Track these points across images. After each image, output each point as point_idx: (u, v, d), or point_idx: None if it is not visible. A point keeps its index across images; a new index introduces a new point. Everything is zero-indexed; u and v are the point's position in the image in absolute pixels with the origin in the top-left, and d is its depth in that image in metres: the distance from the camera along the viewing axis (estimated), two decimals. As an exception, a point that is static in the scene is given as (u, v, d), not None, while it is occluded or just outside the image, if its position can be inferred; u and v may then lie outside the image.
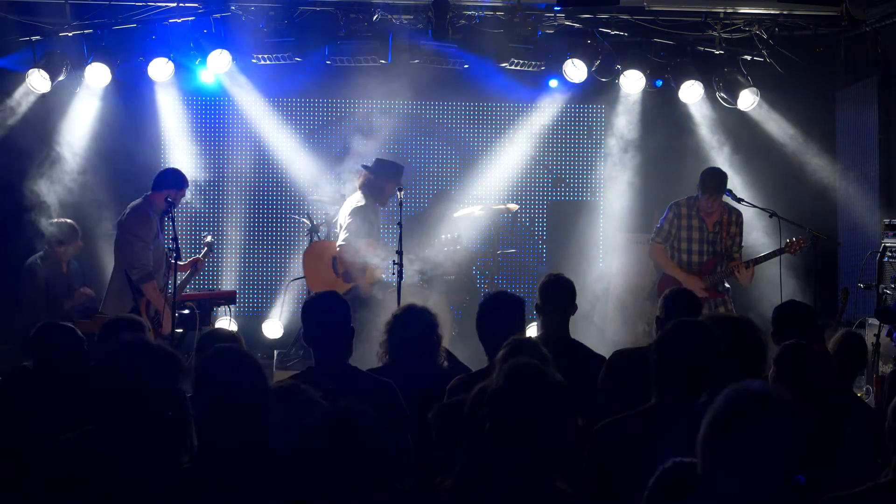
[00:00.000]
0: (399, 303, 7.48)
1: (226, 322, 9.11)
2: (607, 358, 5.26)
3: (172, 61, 9.46)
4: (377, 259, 8.82)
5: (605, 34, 9.76)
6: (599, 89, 10.38)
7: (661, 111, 10.54)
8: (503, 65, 9.71)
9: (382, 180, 8.99)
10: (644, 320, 9.11)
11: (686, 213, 8.30)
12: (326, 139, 10.92)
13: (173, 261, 7.62)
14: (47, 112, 9.70)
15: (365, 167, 9.19)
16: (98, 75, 9.35)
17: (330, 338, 4.68)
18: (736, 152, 10.23)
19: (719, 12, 9.56)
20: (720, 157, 10.20)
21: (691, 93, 10.01)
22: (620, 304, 9.88)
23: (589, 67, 9.76)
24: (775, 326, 5.27)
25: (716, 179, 8.26)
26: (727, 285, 8.38)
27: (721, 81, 9.95)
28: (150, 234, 7.95)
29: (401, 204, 8.34)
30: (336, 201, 9.88)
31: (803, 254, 8.49)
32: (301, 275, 9.62)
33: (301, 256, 9.52)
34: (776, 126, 10.28)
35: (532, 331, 6.78)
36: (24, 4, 9.17)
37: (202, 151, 10.72)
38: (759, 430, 2.40)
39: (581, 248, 10.34)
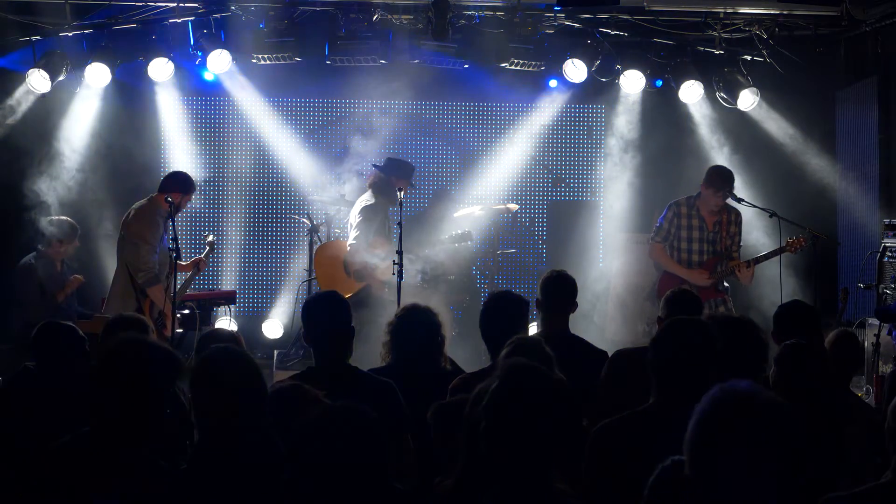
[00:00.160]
0: (399, 303, 7.48)
1: (226, 322, 9.11)
2: (609, 356, 5.26)
3: (172, 61, 9.46)
4: (376, 259, 8.82)
5: (605, 34, 9.77)
6: (599, 89, 10.39)
7: (661, 111, 10.54)
8: (503, 65, 9.70)
9: (393, 180, 9.02)
10: (644, 320, 9.10)
11: (686, 212, 8.30)
12: (326, 139, 10.92)
13: (173, 260, 7.61)
14: (47, 112, 9.70)
15: (376, 166, 9.21)
16: (98, 75, 9.35)
17: (330, 338, 4.68)
18: (736, 152, 10.24)
19: (719, 12, 9.56)
20: (720, 157, 10.20)
21: (691, 93, 10.02)
22: (620, 303, 9.88)
23: (589, 67, 9.76)
24: (776, 326, 5.27)
25: (727, 176, 8.26)
26: (726, 285, 8.38)
27: (721, 81, 9.95)
28: (156, 236, 7.94)
29: (401, 204, 8.34)
30: (336, 201, 9.88)
31: (803, 254, 8.50)
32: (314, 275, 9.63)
33: (313, 256, 9.51)
34: (776, 126, 10.28)
35: (533, 330, 6.78)
36: (24, 4, 9.17)
37: (202, 151, 10.73)
38: (744, 431, 2.38)
39: (581, 248, 10.34)
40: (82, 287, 9.10)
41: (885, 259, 8.38)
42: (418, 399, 4.55)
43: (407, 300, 6.04)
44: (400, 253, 7.92)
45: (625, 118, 10.56)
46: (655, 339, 3.80)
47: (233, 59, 9.53)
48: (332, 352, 4.68)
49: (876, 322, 7.75)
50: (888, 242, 8.40)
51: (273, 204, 10.96)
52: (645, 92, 10.21)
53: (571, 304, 5.54)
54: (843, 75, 10.18)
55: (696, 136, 10.52)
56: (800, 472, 2.42)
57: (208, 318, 8.58)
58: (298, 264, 10.37)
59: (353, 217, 9.00)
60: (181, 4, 9.26)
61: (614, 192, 10.75)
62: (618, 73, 9.87)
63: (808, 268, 9.34)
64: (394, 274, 7.94)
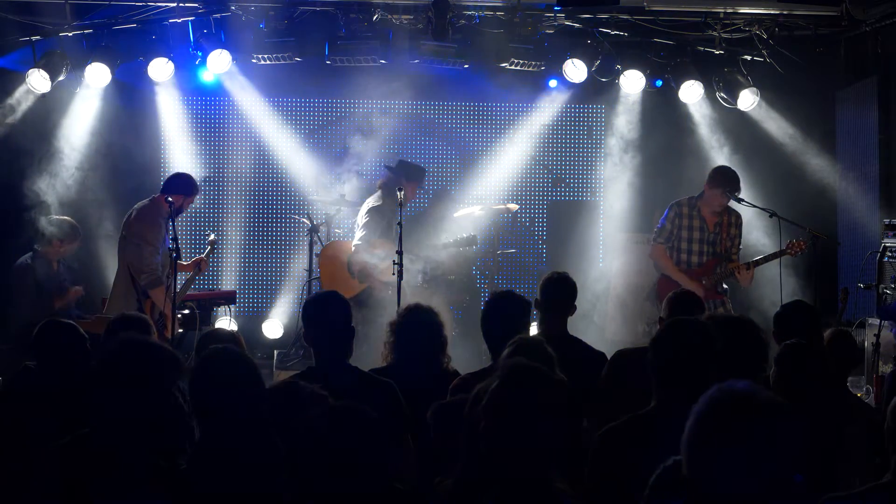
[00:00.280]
0: (399, 303, 7.48)
1: (226, 322, 9.11)
2: (609, 357, 5.26)
3: (172, 61, 9.45)
4: (376, 259, 8.83)
5: (605, 34, 9.76)
6: (599, 89, 10.38)
7: (661, 111, 10.54)
8: (503, 65, 9.70)
9: (403, 182, 9.04)
10: (644, 320, 9.10)
11: (687, 212, 8.30)
12: (326, 139, 10.93)
13: (173, 260, 7.60)
14: (47, 112, 9.70)
15: (388, 168, 9.24)
16: (98, 75, 9.34)
17: (330, 338, 4.68)
18: (736, 152, 10.23)
19: (719, 12, 9.56)
20: (720, 156, 10.20)
21: (691, 93, 10.01)
22: (620, 303, 9.89)
23: (589, 67, 9.76)
24: (777, 326, 5.28)
25: (734, 177, 8.26)
26: (725, 286, 8.37)
27: (721, 81, 9.95)
28: (159, 237, 7.94)
29: (401, 204, 8.34)
30: (336, 201, 9.89)
31: (803, 254, 8.50)
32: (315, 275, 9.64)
33: (318, 256, 9.52)
34: (776, 126, 10.28)
35: (533, 331, 6.77)
36: (24, 4, 9.16)
37: (202, 151, 10.73)
38: (741, 431, 2.38)
39: (581, 248, 10.34)
40: (82, 287, 9.10)
41: (885, 259, 8.37)
42: (419, 399, 4.55)
43: (408, 300, 6.04)
44: (400, 253, 7.92)
45: (625, 118, 10.56)
46: (655, 340, 3.80)
47: (233, 59, 9.53)
48: (333, 352, 4.68)
49: (876, 322, 7.75)
50: (888, 242, 8.40)
51: (273, 204, 10.96)
52: (645, 92, 10.20)
53: (570, 306, 5.54)
54: (843, 75, 10.18)
55: (696, 136, 10.52)
56: (799, 472, 2.42)
57: (208, 318, 8.58)
58: (298, 264, 10.37)
59: (360, 218, 9.03)
60: (181, 4, 9.26)
61: (614, 192, 10.75)
62: (618, 73, 9.87)
63: (808, 268, 9.34)
64: (394, 274, 7.93)
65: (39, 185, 9.42)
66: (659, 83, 10.10)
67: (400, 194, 8.32)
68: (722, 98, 10.04)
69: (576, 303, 5.60)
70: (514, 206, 10.20)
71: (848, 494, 3.19)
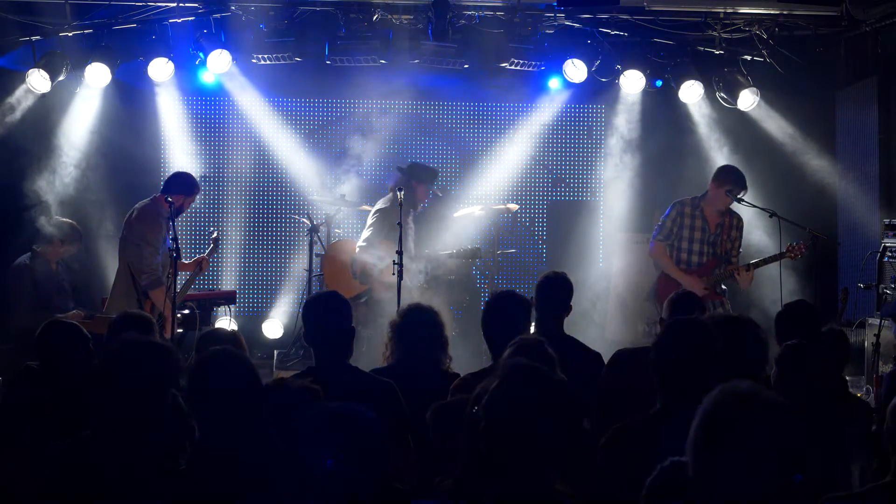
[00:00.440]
0: (399, 303, 7.48)
1: (226, 322, 9.11)
2: (610, 357, 5.26)
3: (172, 61, 9.45)
4: (374, 258, 8.83)
5: (605, 34, 9.76)
6: (599, 89, 10.38)
7: (661, 111, 10.54)
8: (503, 65, 9.70)
9: (414, 183, 9.05)
10: (644, 320, 9.11)
11: (689, 212, 8.29)
12: (326, 139, 10.93)
13: (173, 260, 7.60)
14: (47, 112, 9.70)
15: (399, 169, 9.25)
16: (98, 75, 9.34)
17: (330, 338, 4.68)
18: (735, 152, 10.23)
19: (719, 12, 9.55)
20: (720, 156, 10.21)
21: (691, 93, 10.01)
22: (621, 303, 9.89)
23: (589, 67, 9.75)
24: (778, 326, 5.28)
25: (741, 177, 8.26)
26: (724, 287, 8.37)
27: (721, 81, 9.95)
28: (160, 237, 7.93)
29: (401, 204, 8.34)
30: (336, 201, 9.89)
31: (803, 257, 8.48)
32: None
33: (325, 255, 9.53)
34: (776, 126, 10.28)
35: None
36: (24, 4, 9.16)
37: (202, 151, 10.73)
38: (746, 431, 2.38)
39: (581, 248, 10.35)
40: (82, 289, 9.10)
41: (885, 259, 8.37)
42: (420, 399, 4.55)
43: (410, 301, 6.03)
44: (400, 253, 7.93)
45: (625, 118, 10.56)
46: (657, 342, 3.80)
47: (233, 59, 9.52)
48: (333, 352, 4.68)
49: (876, 322, 7.75)
50: (888, 242, 8.40)
51: (273, 204, 10.96)
52: (645, 92, 10.20)
53: (566, 307, 5.53)
54: (843, 75, 10.17)
55: (696, 136, 10.52)
56: (800, 471, 2.42)
57: (208, 318, 8.58)
58: (298, 264, 10.38)
59: (368, 218, 9.05)
60: (181, 4, 9.25)
61: (614, 192, 10.75)
62: (618, 73, 9.86)
63: (808, 268, 9.34)
64: (393, 274, 7.93)
65: (39, 185, 9.42)
66: (659, 83, 10.09)
67: (400, 194, 8.32)
68: (722, 98, 10.04)
69: (575, 303, 5.60)
70: (514, 206, 10.20)
71: (848, 495, 3.19)
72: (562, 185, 10.88)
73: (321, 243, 9.58)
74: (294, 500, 2.97)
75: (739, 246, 8.40)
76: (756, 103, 9.88)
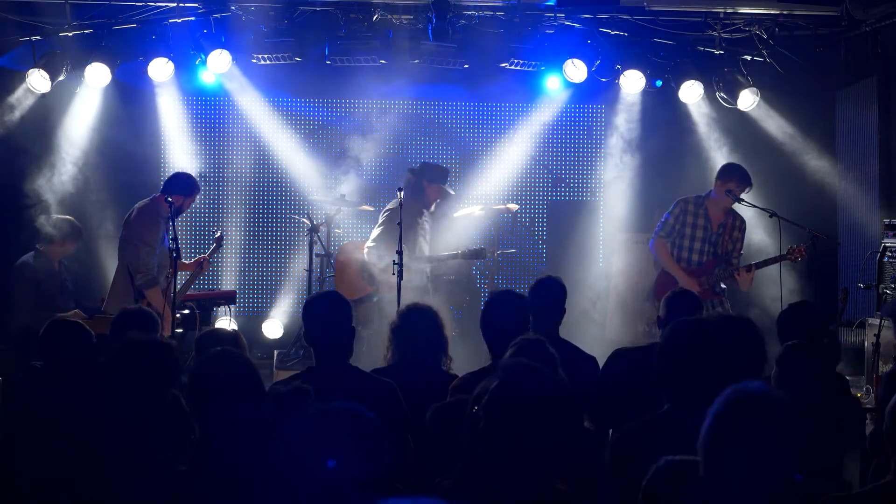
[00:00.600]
0: (399, 303, 7.48)
1: (226, 322, 9.11)
2: (607, 357, 5.25)
3: (172, 61, 9.44)
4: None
5: (605, 34, 9.76)
6: (599, 89, 10.37)
7: (661, 111, 10.53)
8: (503, 65, 9.70)
9: (424, 183, 9.05)
10: (644, 320, 9.10)
11: (693, 210, 8.29)
12: (326, 139, 10.92)
13: (173, 260, 7.59)
14: (47, 112, 9.70)
15: (410, 170, 9.27)
16: (98, 75, 9.34)
17: (330, 338, 4.68)
18: (735, 152, 10.22)
19: (719, 12, 9.55)
20: (720, 156, 10.20)
21: (691, 93, 10.01)
22: (621, 303, 9.89)
23: (589, 67, 9.75)
24: (781, 326, 5.28)
25: (746, 172, 8.27)
26: (724, 286, 8.37)
27: (721, 81, 9.94)
28: (157, 237, 7.93)
29: (401, 204, 8.34)
30: (336, 201, 9.89)
31: (803, 260, 8.48)
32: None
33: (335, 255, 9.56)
34: (776, 126, 10.28)
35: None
36: (24, 4, 9.16)
37: (202, 151, 10.73)
38: (759, 432, 2.39)
39: (581, 248, 10.35)
40: (82, 289, 9.09)
41: (885, 259, 8.37)
42: (420, 399, 4.55)
43: (412, 300, 6.02)
44: (400, 253, 7.93)
45: (625, 118, 10.56)
46: (663, 343, 3.79)
47: (233, 59, 9.52)
48: (333, 352, 4.68)
49: (876, 322, 7.75)
50: (888, 242, 8.40)
51: (273, 204, 10.96)
52: (645, 92, 10.19)
53: (560, 310, 5.52)
54: (843, 75, 10.17)
55: (696, 136, 10.52)
56: (800, 471, 2.43)
57: (208, 318, 8.58)
58: (298, 264, 10.37)
59: (379, 217, 9.06)
60: (181, 4, 9.25)
61: (614, 192, 10.75)
62: (618, 73, 9.86)
63: (808, 268, 9.33)
64: (393, 273, 7.93)
65: (39, 185, 9.42)
66: (659, 83, 10.09)
67: (400, 195, 8.32)
68: (722, 98, 10.03)
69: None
70: (514, 206, 10.20)
71: (848, 495, 3.19)
72: (562, 185, 10.88)
73: (321, 243, 9.58)
74: (295, 500, 2.97)
75: (741, 248, 8.39)
76: (756, 103, 9.88)
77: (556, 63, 9.77)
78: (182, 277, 7.99)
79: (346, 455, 2.87)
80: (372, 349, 8.25)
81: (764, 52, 9.75)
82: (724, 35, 9.71)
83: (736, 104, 9.89)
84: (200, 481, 3.30)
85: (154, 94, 10.30)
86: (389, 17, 9.42)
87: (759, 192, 9.37)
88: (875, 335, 7.62)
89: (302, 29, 9.44)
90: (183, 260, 7.93)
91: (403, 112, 10.83)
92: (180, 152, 10.59)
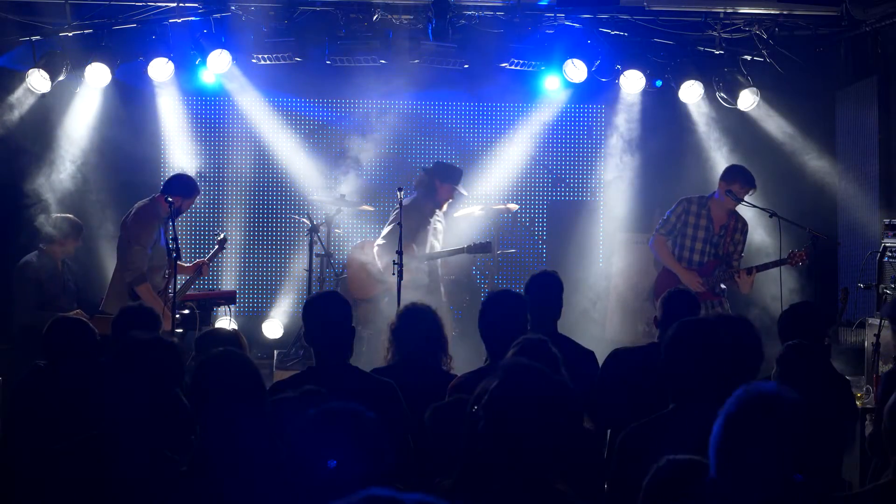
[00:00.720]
0: (399, 303, 7.48)
1: (226, 322, 9.11)
2: (606, 356, 5.25)
3: (172, 61, 9.45)
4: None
5: (605, 34, 9.76)
6: (599, 89, 10.37)
7: (661, 111, 10.53)
8: (503, 65, 9.70)
9: (437, 183, 9.05)
10: (644, 320, 9.10)
11: (696, 210, 8.29)
12: (326, 139, 10.92)
13: (172, 260, 7.59)
14: (47, 112, 9.70)
15: (423, 169, 9.28)
16: (98, 75, 9.34)
17: (330, 338, 4.68)
18: (735, 152, 10.23)
19: (719, 12, 9.55)
20: (720, 156, 10.21)
21: (691, 93, 10.01)
22: (621, 303, 9.89)
23: (589, 67, 9.75)
24: (782, 326, 5.28)
25: (750, 173, 8.27)
26: (723, 287, 8.37)
27: (721, 81, 9.94)
28: (150, 237, 7.94)
29: (401, 204, 8.34)
30: (336, 201, 9.89)
31: (804, 265, 8.47)
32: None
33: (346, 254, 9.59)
34: (776, 126, 10.27)
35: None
36: (24, 4, 9.16)
37: (202, 151, 10.74)
38: (775, 431, 2.39)
39: (581, 248, 10.35)
40: (82, 289, 9.09)
41: (885, 259, 8.37)
42: (420, 399, 4.55)
43: (420, 299, 6.01)
44: (400, 253, 7.93)
45: (625, 118, 10.56)
46: (667, 343, 3.79)
47: (233, 59, 9.52)
48: (333, 352, 4.68)
49: (876, 322, 7.74)
50: (888, 242, 8.39)
51: (273, 204, 10.96)
52: (645, 92, 10.19)
53: (556, 305, 5.51)
54: (843, 75, 10.17)
55: (696, 136, 10.52)
56: (803, 471, 2.43)
57: (208, 318, 8.58)
58: (298, 264, 10.37)
59: (391, 216, 9.08)
60: (181, 4, 9.25)
61: (614, 192, 10.75)
62: (618, 73, 9.86)
63: (808, 268, 9.32)
64: (393, 273, 7.93)
65: (39, 185, 9.42)
66: (659, 83, 10.09)
67: (400, 194, 8.32)
68: (722, 98, 10.03)
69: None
70: (514, 206, 10.20)
71: (848, 495, 3.19)
72: (562, 185, 10.88)
73: (321, 243, 9.58)
74: (295, 500, 2.97)
75: (742, 250, 8.39)
76: (756, 103, 9.88)
77: (556, 63, 9.77)
78: (181, 279, 7.99)
79: (347, 455, 2.87)
80: (372, 349, 8.26)
81: (764, 52, 9.75)
82: (724, 35, 9.71)
83: (736, 104, 9.88)
84: (201, 481, 3.30)
85: (154, 94, 10.30)
86: (389, 17, 9.42)
87: (759, 192, 9.36)
88: (875, 335, 7.61)
89: (302, 29, 9.43)
90: (182, 261, 7.92)
91: (403, 112, 10.82)
92: (180, 152, 10.59)
